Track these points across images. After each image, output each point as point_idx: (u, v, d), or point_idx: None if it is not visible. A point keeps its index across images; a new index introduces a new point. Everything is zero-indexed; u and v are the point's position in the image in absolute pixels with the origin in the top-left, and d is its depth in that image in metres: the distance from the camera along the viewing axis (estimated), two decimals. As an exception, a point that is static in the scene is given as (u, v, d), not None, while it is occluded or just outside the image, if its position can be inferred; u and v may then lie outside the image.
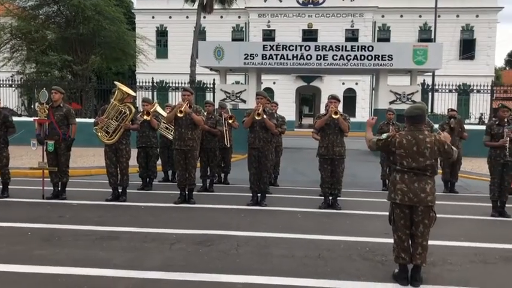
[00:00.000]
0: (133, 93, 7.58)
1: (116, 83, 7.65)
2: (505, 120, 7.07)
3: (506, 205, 7.21)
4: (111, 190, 7.69)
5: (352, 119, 8.12)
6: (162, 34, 36.08)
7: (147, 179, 8.88)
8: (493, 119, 7.61)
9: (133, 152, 8.61)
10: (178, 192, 7.53)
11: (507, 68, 55.60)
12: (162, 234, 5.65)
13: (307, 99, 48.76)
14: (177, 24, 34.61)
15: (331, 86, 31.80)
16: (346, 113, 7.79)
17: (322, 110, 7.41)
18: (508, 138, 6.88)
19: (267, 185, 7.55)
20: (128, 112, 7.36)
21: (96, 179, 9.93)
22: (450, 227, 6.27)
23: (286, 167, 11.68)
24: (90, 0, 23.01)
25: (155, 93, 20.16)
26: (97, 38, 24.17)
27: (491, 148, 7.16)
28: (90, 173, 10.97)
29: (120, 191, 7.68)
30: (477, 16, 33.49)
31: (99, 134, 7.46)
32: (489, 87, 18.04)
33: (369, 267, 4.64)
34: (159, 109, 9.24)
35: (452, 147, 4.30)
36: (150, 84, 18.87)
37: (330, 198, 7.42)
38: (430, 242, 4.27)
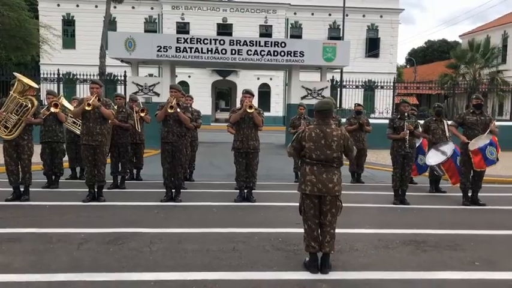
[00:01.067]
0: (35, 85, 7.06)
1: (15, 74, 7.07)
2: (406, 114, 7.61)
3: (407, 193, 7.78)
4: (11, 189, 7.13)
5: (266, 114, 8.27)
6: (68, 23, 33.99)
7: (53, 177, 8.35)
8: (395, 113, 8.17)
9: (37, 148, 8.08)
10: (87, 190, 7.17)
11: (408, 66, 59.96)
12: (69, 234, 5.35)
13: (223, 93, 48.92)
14: (85, 13, 32.80)
15: (246, 81, 32.15)
16: (261, 108, 7.91)
17: (238, 105, 7.45)
18: (408, 131, 7.42)
19: (181, 180, 7.45)
20: (29, 105, 6.86)
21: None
22: (356, 215, 6.64)
23: (202, 161, 11.62)
24: (-15, -17, 21.03)
25: (61, 85, 18.98)
26: (-6, 25, 22.15)
27: (393, 140, 7.68)
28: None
29: (22, 190, 7.15)
30: (381, 16, 35.67)
31: (-3, 129, 6.87)
32: (391, 84, 19.31)
33: (281, 257, 4.76)
34: (65, 102, 8.71)
35: (354, 148, 4.53)
36: (56, 76, 17.71)
37: (245, 191, 7.50)
38: (338, 230, 4.48)
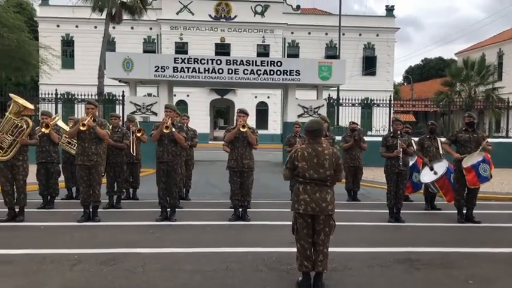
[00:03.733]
0: (30, 106, 7.12)
1: (11, 95, 7.13)
2: (399, 132, 7.66)
3: (402, 211, 7.78)
4: (7, 210, 7.13)
5: (264, 132, 8.36)
6: (68, 44, 34.36)
7: (48, 197, 8.35)
8: (389, 131, 8.22)
9: (33, 168, 8.10)
10: (82, 210, 7.17)
11: (405, 84, 60.39)
12: (62, 255, 5.34)
13: (221, 111, 49.10)
14: (84, 33, 33.13)
15: (244, 99, 32.34)
16: (259, 126, 7.97)
17: (235, 123, 7.53)
18: (401, 149, 7.46)
19: (176, 199, 7.46)
20: (24, 126, 6.91)
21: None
22: (351, 234, 6.63)
23: (199, 180, 11.63)
24: (-15, 5, 21.31)
25: (60, 105, 19.10)
26: (-7, 47, 22.35)
27: (386, 158, 7.71)
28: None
29: (17, 210, 7.15)
30: (377, 35, 36.08)
31: (-8, 150, 6.90)
32: (388, 102, 19.42)
33: (274, 276, 4.75)
34: (60, 122, 8.76)
35: (343, 170, 4.57)
36: (54, 95, 17.82)
37: (240, 210, 7.50)
38: (332, 249, 4.49)
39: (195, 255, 5.43)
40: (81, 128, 6.78)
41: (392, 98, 22.30)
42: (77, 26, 33.63)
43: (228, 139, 7.35)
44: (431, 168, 8.45)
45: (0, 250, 5.48)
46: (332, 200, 4.43)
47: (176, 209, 7.53)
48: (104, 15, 22.43)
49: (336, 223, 4.48)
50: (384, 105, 18.77)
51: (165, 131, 7.00)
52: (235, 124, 7.60)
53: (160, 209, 7.39)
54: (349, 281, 4.66)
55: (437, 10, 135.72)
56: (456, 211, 7.80)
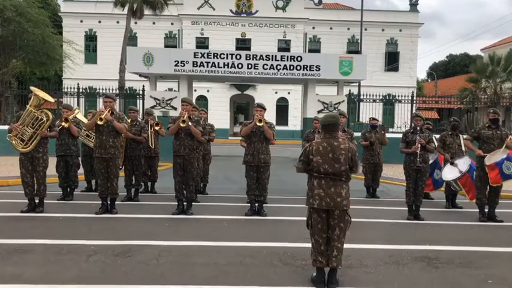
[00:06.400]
0: (51, 99, 7.22)
1: (31, 88, 7.25)
2: (418, 128, 7.50)
3: (422, 209, 7.63)
4: (27, 201, 7.26)
5: (284, 128, 8.31)
6: (91, 39, 34.86)
7: (68, 189, 8.48)
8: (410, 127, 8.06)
9: (54, 161, 8.23)
10: (100, 202, 7.25)
11: (429, 80, 59.35)
12: (79, 246, 5.41)
13: (242, 107, 49.10)
14: (107, 29, 33.58)
15: (264, 95, 32.26)
16: (279, 122, 7.92)
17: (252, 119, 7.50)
18: (420, 145, 7.31)
19: (193, 193, 7.47)
20: (44, 119, 7.01)
21: (14, 190, 9.32)
22: (368, 231, 6.53)
23: (217, 174, 11.65)
24: (10, 0, 21.74)
25: (83, 99, 19.39)
26: (18, 41, 22.84)
27: (405, 155, 7.57)
28: (8, 183, 10.34)
29: (37, 201, 7.28)
30: (400, 30, 35.53)
31: (13, 141, 7.03)
32: (410, 98, 19.08)
33: (288, 272, 4.70)
34: (79, 116, 8.87)
35: (358, 166, 4.47)
36: (76, 90, 18.09)
37: (256, 204, 7.47)
38: (348, 246, 4.42)
39: (210, 249, 5.43)
40: (98, 122, 6.84)
41: (414, 95, 21.92)
42: (99, 22, 34.11)
43: (245, 133, 7.32)
44: (453, 165, 8.26)
45: (19, 240, 5.58)
46: (347, 195, 4.35)
47: (193, 203, 7.54)
48: (125, 11, 22.64)
49: (354, 220, 4.41)
50: (406, 101, 18.44)
51: (181, 124, 7.01)
52: (252, 119, 7.55)
53: (176, 203, 7.41)
54: (365, 278, 4.59)
55: (462, 5, 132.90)
56: (478, 209, 7.61)
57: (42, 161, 7.15)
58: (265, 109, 7.37)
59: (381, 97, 18.83)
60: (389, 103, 25.42)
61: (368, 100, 18.12)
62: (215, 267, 4.79)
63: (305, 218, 4.55)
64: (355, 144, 5.85)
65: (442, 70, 57.81)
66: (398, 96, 18.68)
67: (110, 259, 4.95)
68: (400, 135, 8.08)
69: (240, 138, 7.71)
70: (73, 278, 4.37)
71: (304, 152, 4.46)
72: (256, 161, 7.27)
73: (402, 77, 34.93)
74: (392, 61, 35.52)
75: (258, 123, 7.05)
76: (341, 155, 4.31)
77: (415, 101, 19.70)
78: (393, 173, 13.09)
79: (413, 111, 19.55)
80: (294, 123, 34.39)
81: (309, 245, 4.54)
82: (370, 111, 16.51)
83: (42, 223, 6.60)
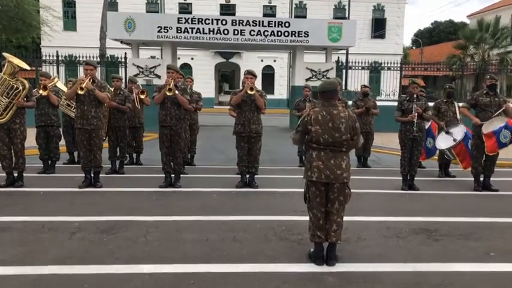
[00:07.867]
0: (26, 66, 6.73)
1: (4, 54, 6.73)
2: (415, 96, 7.24)
3: (415, 178, 7.46)
4: (5, 175, 6.88)
5: (270, 96, 7.95)
6: (69, 5, 33.40)
7: (49, 162, 8.10)
8: (403, 95, 7.80)
9: (33, 132, 7.82)
10: (83, 175, 6.91)
11: (414, 47, 59.01)
12: (61, 222, 5.10)
13: (227, 76, 48.30)
14: (86, -6, 32.19)
15: (250, 63, 31.57)
16: (265, 90, 7.57)
17: (241, 87, 7.12)
18: (416, 114, 7.07)
19: (181, 165, 7.16)
20: (20, 87, 6.56)
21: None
22: (364, 202, 6.34)
23: (204, 145, 11.34)
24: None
25: (63, 68, 18.66)
26: (-9, 7, 21.78)
27: (401, 123, 7.33)
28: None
29: (16, 175, 6.90)
30: (387, -4, 34.83)
31: (-14, 112, 6.58)
32: (399, 65, 18.82)
33: (285, 247, 4.49)
34: (59, 84, 8.40)
35: (360, 135, 4.21)
36: (55, 58, 17.37)
37: (247, 176, 7.21)
38: (345, 218, 4.18)
39: (200, 224, 5.18)
40: (79, 91, 6.41)
41: (402, 62, 21.60)
42: (78, -14, 32.65)
43: (235, 102, 6.96)
44: (448, 133, 8.08)
45: (-3, 217, 5.25)
46: (348, 167, 4.10)
47: (181, 175, 7.25)
48: (105, -26, 21.58)
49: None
50: (395, 68, 18.16)
51: (167, 93, 6.63)
52: (242, 87, 7.19)
53: (164, 175, 7.11)
54: (364, 253, 4.40)
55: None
56: (472, 178, 7.48)
57: (19, 132, 6.73)
58: (256, 76, 7.00)
59: (367, 64, 18.50)
60: (376, 71, 25.07)
61: (357, 68, 17.78)
62: (207, 243, 4.54)
63: (298, 190, 4.31)
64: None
65: (426, 37, 57.38)
66: (385, 63, 18.37)
67: (95, 236, 4.67)
68: (389, 103, 7.82)
69: (229, 107, 7.33)
70: (55, 258, 4.08)
71: (302, 122, 4.16)
72: (247, 131, 6.95)
73: (389, 44, 34.44)
74: (379, 28, 34.97)
75: (249, 91, 6.70)
76: (341, 124, 4.02)
77: (403, 68, 19.43)
78: (382, 141, 12.92)
79: (402, 78, 19.34)
80: (280, 91, 33.97)
81: (304, 218, 4.32)
82: (357, 79, 16.22)
83: (21, 198, 6.24)
